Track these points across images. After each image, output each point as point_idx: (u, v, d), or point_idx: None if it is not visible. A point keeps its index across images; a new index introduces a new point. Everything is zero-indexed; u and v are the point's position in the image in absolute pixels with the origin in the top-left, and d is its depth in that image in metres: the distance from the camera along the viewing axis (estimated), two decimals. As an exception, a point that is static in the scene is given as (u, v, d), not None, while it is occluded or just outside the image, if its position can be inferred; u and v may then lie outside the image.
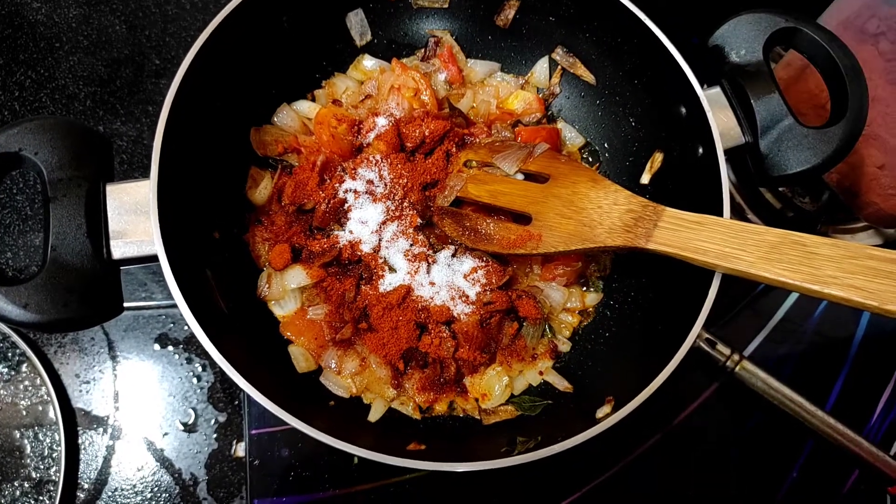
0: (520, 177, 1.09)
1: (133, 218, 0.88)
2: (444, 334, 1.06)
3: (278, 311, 1.10)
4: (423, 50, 1.26)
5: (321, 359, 1.09)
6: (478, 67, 1.26)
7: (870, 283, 0.78)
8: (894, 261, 0.78)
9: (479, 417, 1.08)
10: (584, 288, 1.19)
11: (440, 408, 1.09)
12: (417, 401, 1.08)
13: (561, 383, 1.10)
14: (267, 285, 1.09)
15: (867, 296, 0.77)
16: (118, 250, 0.87)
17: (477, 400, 1.09)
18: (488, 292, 1.08)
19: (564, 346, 1.15)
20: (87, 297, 0.83)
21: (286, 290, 1.09)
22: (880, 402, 1.29)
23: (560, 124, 1.26)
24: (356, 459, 1.15)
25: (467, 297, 1.08)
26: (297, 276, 1.08)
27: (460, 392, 1.10)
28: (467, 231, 1.07)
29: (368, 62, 1.25)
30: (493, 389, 1.09)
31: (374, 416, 1.06)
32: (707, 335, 1.20)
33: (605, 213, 0.98)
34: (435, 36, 1.25)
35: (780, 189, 1.37)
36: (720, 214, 0.95)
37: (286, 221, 1.12)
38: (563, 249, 1.00)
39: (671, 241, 0.91)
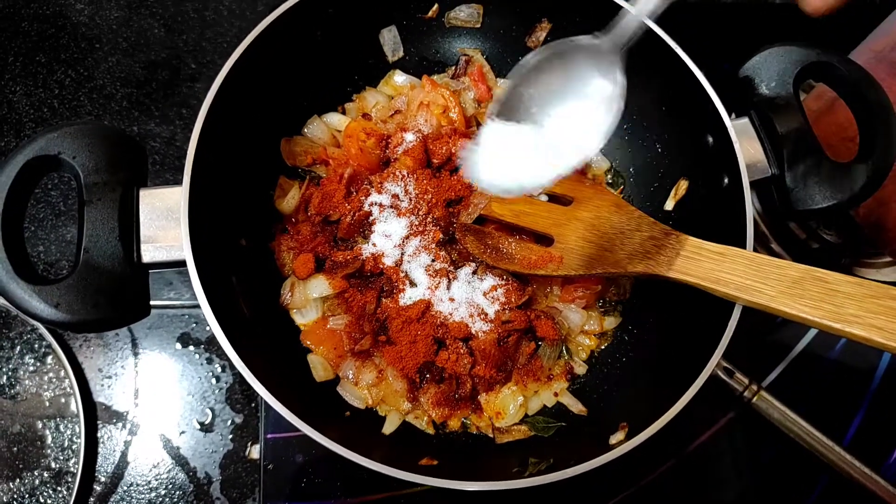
0: (544, 198, 1.10)
1: (164, 223, 0.90)
2: (462, 350, 1.07)
3: (299, 320, 1.12)
4: (453, 68, 1.27)
5: (339, 369, 1.10)
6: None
7: (891, 324, 0.77)
8: None
9: (492, 436, 1.09)
10: (603, 311, 1.19)
11: (454, 424, 1.10)
12: (432, 415, 1.09)
13: (575, 406, 1.10)
14: (290, 293, 1.11)
15: (888, 336, 0.77)
16: (148, 254, 0.89)
17: (491, 418, 1.10)
18: (507, 311, 1.09)
19: (580, 369, 1.15)
20: (116, 299, 0.86)
21: (308, 300, 1.11)
22: (899, 439, 1.27)
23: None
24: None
25: (486, 314, 1.09)
26: (320, 286, 1.10)
27: (475, 409, 1.10)
28: (489, 249, 1.08)
29: (399, 77, 1.26)
30: (508, 408, 1.10)
31: (388, 428, 1.07)
32: (725, 364, 1.19)
33: (628, 238, 0.98)
34: (466, 55, 1.27)
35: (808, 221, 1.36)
36: (743, 245, 0.95)
37: (311, 232, 1.13)
38: (583, 273, 1.00)
39: (693, 270, 0.92)
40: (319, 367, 1.09)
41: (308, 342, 1.11)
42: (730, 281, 0.88)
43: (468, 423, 1.11)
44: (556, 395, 1.12)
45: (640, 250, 0.97)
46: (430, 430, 1.09)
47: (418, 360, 1.05)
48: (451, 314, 1.08)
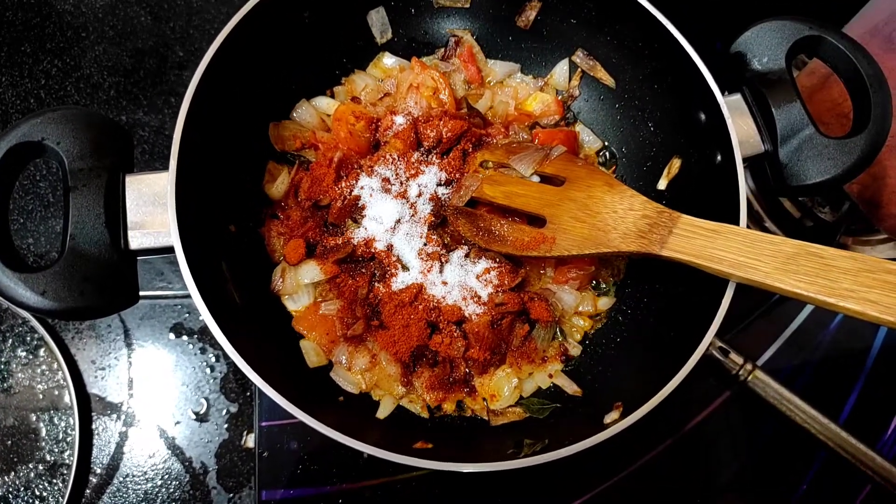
0: (535, 179, 1.09)
1: (151, 209, 0.89)
2: (455, 334, 1.06)
3: (291, 306, 1.11)
4: (443, 49, 1.26)
5: (332, 354, 1.09)
6: (497, 68, 1.26)
7: (886, 298, 0.77)
8: None
9: (487, 418, 1.09)
10: (597, 292, 1.19)
11: (448, 407, 1.10)
12: (426, 399, 1.09)
13: (570, 387, 1.10)
14: (281, 279, 1.10)
15: (883, 310, 0.76)
16: (135, 241, 0.88)
17: (485, 400, 1.10)
18: (500, 293, 1.08)
19: (575, 350, 1.14)
20: (104, 286, 0.85)
21: (300, 285, 1.10)
22: (895, 416, 1.27)
23: (578, 127, 1.26)
24: (365, 455, 1.15)
25: (479, 297, 1.08)
26: (311, 272, 1.09)
27: (469, 392, 1.10)
28: (481, 231, 1.07)
29: (389, 60, 1.25)
30: (503, 390, 1.09)
31: (382, 413, 1.06)
32: (720, 343, 1.19)
33: (620, 217, 0.98)
34: (455, 35, 1.26)
35: (800, 198, 1.35)
36: (737, 222, 0.94)
37: (302, 217, 1.13)
38: (576, 253, 0.99)
39: (686, 248, 0.91)
40: (312, 353, 1.08)
41: (300, 328, 1.10)
42: (724, 258, 0.87)
43: (463, 407, 1.11)
44: (550, 376, 1.12)
45: (632, 229, 0.96)
46: (425, 414, 1.08)
47: (411, 343, 1.05)
48: (443, 297, 1.08)
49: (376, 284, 1.09)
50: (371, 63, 1.26)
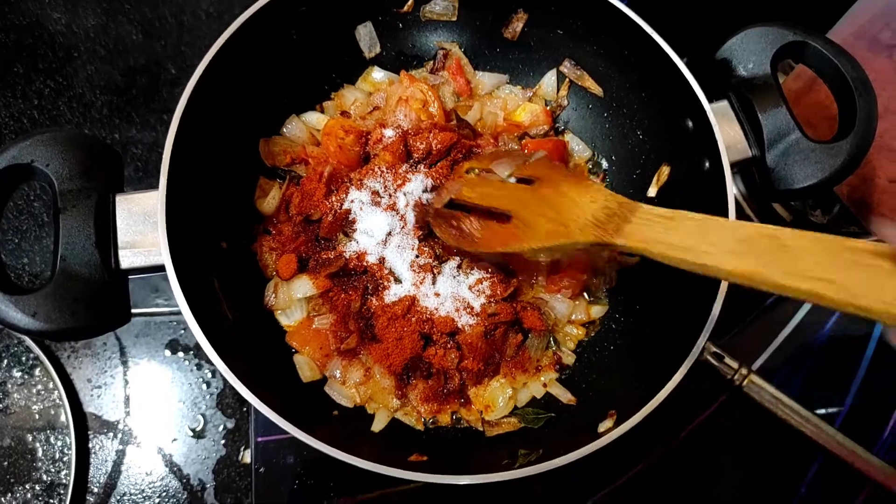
0: (513, 181, 1.09)
1: (142, 228, 0.89)
2: (449, 345, 1.07)
3: (284, 321, 1.11)
4: (431, 62, 1.27)
5: (326, 368, 1.09)
6: (486, 79, 1.27)
7: (845, 276, 0.69)
8: (873, 253, 0.69)
9: (482, 429, 1.09)
10: (590, 300, 1.19)
11: (444, 419, 1.10)
12: (421, 412, 1.09)
13: (564, 395, 1.10)
14: (273, 295, 1.10)
15: (840, 290, 0.68)
16: (126, 260, 0.88)
17: (480, 412, 1.10)
18: (493, 304, 1.08)
19: (569, 359, 1.14)
20: (95, 306, 0.85)
21: (292, 300, 1.10)
22: (891, 418, 1.27)
23: (567, 136, 1.27)
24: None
25: (472, 308, 1.08)
26: (304, 286, 1.09)
27: (464, 403, 1.10)
28: (454, 231, 1.06)
29: (378, 74, 1.26)
30: (497, 401, 1.09)
31: (377, 426, 1.06)
32: (714, 349, 1.19)
33: (581, 210, 0.95)
34: (444, 48, 1.26)
35: (792, 202, 1.36)
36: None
37: (293, 232, 1.13)
38: (537, 246, 0.96)
39: (639, 235, 0.86)
40: (306, 368, 1.08)
41: (294, 343, 1.10)
42: (676, 244, 0.81)
43: (458, 418, 1.11)
44: (544, 385, 1.12)
45: (591, 220, 0.93)
46: (420, 427, 1.08)
47: (405, 356, 1.05)
48: (436, 309, 1.08)
49: (369, 297, 1.09)
50: (360, 77, 1.26)
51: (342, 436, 0.94)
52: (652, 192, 1.16)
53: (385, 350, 1.05)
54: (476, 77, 1.27)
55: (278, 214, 1.15)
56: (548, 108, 1.26)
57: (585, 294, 1.19)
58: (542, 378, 1.12)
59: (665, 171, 1.13)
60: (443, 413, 1.09)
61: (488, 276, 1.09)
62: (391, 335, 1.05)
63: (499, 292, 1.09)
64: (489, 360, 1.09)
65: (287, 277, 1.10)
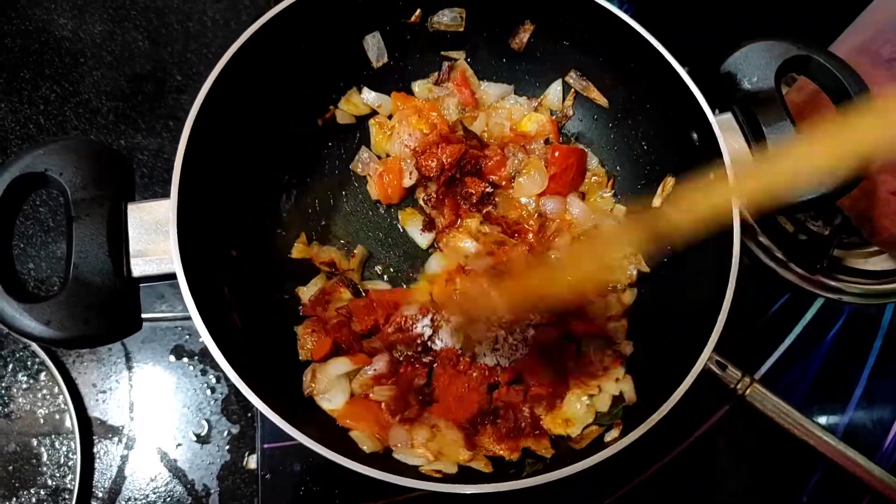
0: None
1: (153, 237, 0.90)
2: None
3: (327, 406, 1.05)
4: (436, 73, 1.27)
5: (388, 440, 1.02)
6: (491, 90, 1.28)
7: None
8: None
9: (547, 456, 1.03)
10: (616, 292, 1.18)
11: (514, 456, 1.04)
12: (499, 452, 1.03)
13: (630, 394, 1.07)
14: (312, 381, 1.06)
15: None
16: (138, 268, 0.89)
17: (558, 437, 1.07)
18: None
19: (627, 348, 1.13)
20: (107, 314, 0.85)
21: (332, 382, 1.05)
22: (893, 427, 1.28)
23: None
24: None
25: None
26: (340, 365, 1.06)
27: (538, 435, 1.05)
28: None
29: (368, 95, 1.26)
30: (576, 412, 1.07)
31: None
32: (717, 357, 1.20)
33: None
34: (449, 59, 1.27)
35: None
36: (731, 239, 0.95)
37: (338, 323, 1.10)
38: None
39: None
40: (367, 442, 0.99)
41: (346, 424, 1.02)
42: None
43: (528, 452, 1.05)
44: (617, 380, 1.09)
45: None
46: (489, 469, 1.00)
47: (472, 411, 1.03)
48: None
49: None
50: (343, 98, 1.26)
51: (350, 444, 0.94)
52: (657, 202, 1.17)
53: (447, 408, 1.03)
54: (481, 88, 1.28)
55: (316, 305, 1.13)
56: (553, 117, 1.27)
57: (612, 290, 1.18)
58: (613, 375, 1.10)
59: (670, 181, 1.14)
60: (518, 450, 1.04)
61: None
62: (452, 394, 1.03)
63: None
64: (555, 381, 1.07)
65: (319, 357, 1.07)
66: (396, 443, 1.01)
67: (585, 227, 1.19)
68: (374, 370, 1.05)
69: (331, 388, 1.04)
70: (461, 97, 1.25)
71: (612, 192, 1.25)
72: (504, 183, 1.22)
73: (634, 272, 1.19)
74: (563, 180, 1.21)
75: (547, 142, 1.24)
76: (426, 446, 1.01)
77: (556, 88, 1.27)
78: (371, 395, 1.05)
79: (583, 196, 1.24)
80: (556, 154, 1.20)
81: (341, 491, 1.16)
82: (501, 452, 1.03)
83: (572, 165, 1.20)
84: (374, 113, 1.27)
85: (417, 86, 1.29)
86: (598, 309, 1.15)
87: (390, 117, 1.26)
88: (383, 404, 1.04)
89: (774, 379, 1.29)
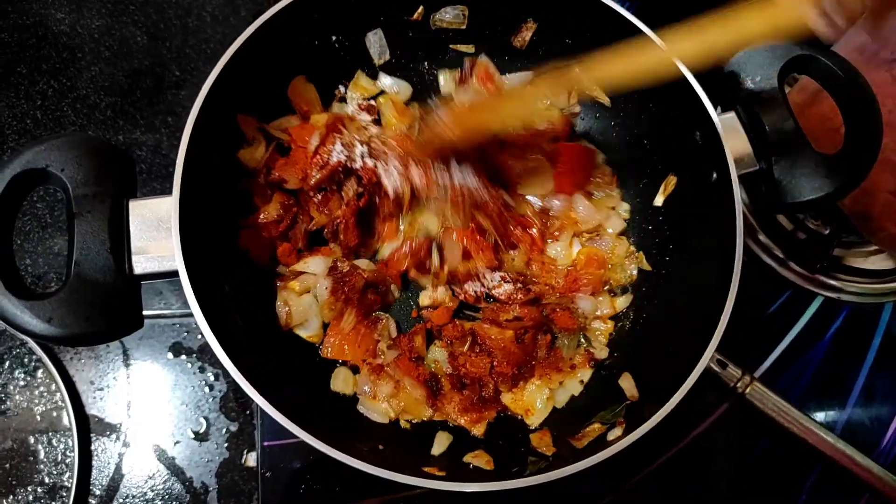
0: None
1: (155, 234, 0.89)
2: (479, 351, 1.09)
3: (304, 334, 1.11)
4: (458, 71, 1.25)
5: (357, 385, 1.10)
6: (513, 80, 1.27)
7: None
8: None
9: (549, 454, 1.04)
10: (613, 294, 1.20)
11: (478, 430, 1.08)
12: (461, 423, 1.08)
13: (631, 390, 1.07)
14: (286, 309, 1.10)
15: None
16: (139, 266, 0.88)
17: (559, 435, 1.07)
18: (514, 309, 1.10)
19: (601, 353, 1.15)
20: (109, 311, 0.85)
21: (304, 312, 1.10)
22: (891, 425, 1.29)
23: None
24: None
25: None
26: (318, 262, 1.11)
27: (502, 410, 1.10)
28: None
29: (385, 80, 1.27)
30: (535, 403, 1.09)
31: (436, 449, 1.05)
32: (718, 356, 1.20)
33: None
34: (469, 56, 1.27)
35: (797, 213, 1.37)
36: (733, 237, 0.96)
37: (277, 214, 1.13)
38: None
39: None
40: (340, 380, 1.09)
41: (331, 355, 1.11)
42: None
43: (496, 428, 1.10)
44: (581, 382, 1.12)
45: None
46: (490, 467, 1.02)
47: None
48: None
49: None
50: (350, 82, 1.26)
51: (353, 443, 0.94)
52: (659, 200, 1.17)
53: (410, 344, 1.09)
54: (504, 81, 1.26)
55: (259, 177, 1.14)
56: (563, 112, 1.27)
57: (606, 289, 1.20)
58: (579, 375, 1.13)
59: (672, 180, 1.15)
60: (481, 422, 1.08)
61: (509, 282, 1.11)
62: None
63: (519, 297, 1.10)
64: (522, 364, 1.09)
65: (294, 263, 1.11)
66: (363, 388, 1.08)
67: (590, 226, 1.21)
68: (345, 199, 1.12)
69: (304, 316, 1.10)
70: (487, 92, 1.23)
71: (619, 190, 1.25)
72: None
73: (635, 271, 1.19)
74: (571, 179, 1.21)
75: (556, 140, 1.23)
76: (389, 403, 1.08)
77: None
78: (342, 327, 1.10)
79: (590, 195, 1.24)
80: (565, 152, 1.20)
81: (341, 488, 1.16)
82: (464, 423, 1.07)
83: (580, 163, 1.21)
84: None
85: (443, 77, 1.30)
86: (586, 306, 1.16)
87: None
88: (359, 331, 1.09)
89: (774, 377, 1.30)
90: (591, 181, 1.24)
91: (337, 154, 1.10)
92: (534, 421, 1.09)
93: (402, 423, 1.08)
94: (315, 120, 1.17)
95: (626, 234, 1.24)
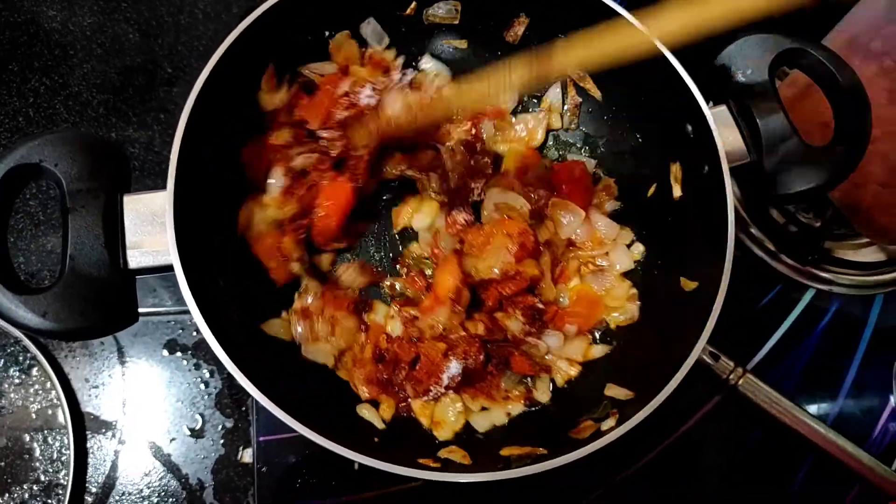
0: None
1: (149, 228, 0.89)
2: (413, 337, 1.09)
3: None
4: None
5: (294, 334, 1.10)
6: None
7: None
8: None
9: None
10: (592, 341, 1.16)
11: (386, 413, 1.07)
12: (362, 393, 1.07)
13: (623, 392, 1.03)
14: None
15: None
16: (134, 260, 0.88)
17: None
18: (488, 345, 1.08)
19: (543, 397, 1.10)
20: (104, 306, 0.85)
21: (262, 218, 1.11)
22: (882, 415, 1.30)
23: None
24: (356, 465, 1.13)
25: None
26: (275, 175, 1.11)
27: (406, 408, 1.07)
28: None
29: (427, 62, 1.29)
30: (447, 416, 1.06)
31: (379, 420, 1.05)
32: (710, 348, 1.21)
33: None
34: (454, 47, 1.28)
35: (787, 205, 1.38)
36: (725, 229, 0.97)
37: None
38: None
39: None
40: (277, 326, 1.10)
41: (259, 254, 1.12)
42: None
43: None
44: (508, 415, 1.07)
45: None
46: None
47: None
48: None
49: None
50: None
51: (350, 435, 0.94)
52: (677, 191, 1.13)
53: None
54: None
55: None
56: (565, 110, 1.28)
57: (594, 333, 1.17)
58: (508, 408, 1.08)
59: (677, 168, 1.13)
60: (384, 402, 1.07)
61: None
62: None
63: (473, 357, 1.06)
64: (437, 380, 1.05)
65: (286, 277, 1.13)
66: (299, 339, 1.08)
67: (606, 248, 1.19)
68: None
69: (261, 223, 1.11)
70: (492, 119, 1.26)
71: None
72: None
73: (637, 313, 1.15)
74: (578, 199, 1.19)
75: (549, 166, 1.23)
76: (329, 341, 1.08)
77: (555, 90, 1.28)
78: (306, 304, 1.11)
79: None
80: (562, 172, 1.20)
81: (337, 482, 1.16)
82: (363, 394, 1.07)
83: (578, 179, 1.20)
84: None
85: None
86: (552, 343, 1.11)
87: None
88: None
89: (766, 369, 1.30)
90: (594, 195, 1.22)
91: (366, 98, 1.12)
92: (442, 434, 1.05)
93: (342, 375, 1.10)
94: (355, 71, 1.19)
95: (633, 275, 1.19)
